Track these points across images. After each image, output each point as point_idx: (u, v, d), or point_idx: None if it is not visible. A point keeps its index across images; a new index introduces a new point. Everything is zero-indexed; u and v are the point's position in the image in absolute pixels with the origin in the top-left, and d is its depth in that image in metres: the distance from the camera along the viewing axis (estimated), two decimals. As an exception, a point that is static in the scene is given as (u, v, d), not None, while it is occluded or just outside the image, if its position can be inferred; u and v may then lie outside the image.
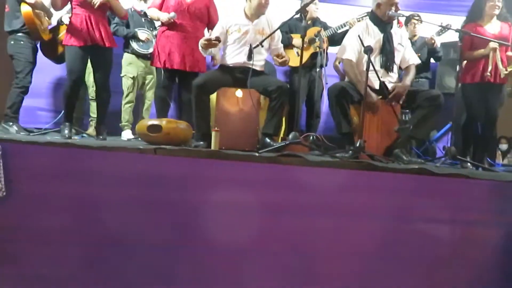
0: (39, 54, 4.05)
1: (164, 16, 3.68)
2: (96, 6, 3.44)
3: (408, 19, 4.44)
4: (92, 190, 2.48)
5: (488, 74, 3.57)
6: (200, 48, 3.35)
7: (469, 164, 3.50)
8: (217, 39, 3.22)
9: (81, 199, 2.44)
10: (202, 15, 3.76)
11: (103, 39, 3.53)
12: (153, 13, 3.86)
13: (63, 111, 3.77)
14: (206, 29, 3.91)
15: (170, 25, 3.71)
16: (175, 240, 2.54)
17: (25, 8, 3.70)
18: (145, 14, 4.54)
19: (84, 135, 3.97)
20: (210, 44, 3.22)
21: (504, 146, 5.20)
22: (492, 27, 3.71)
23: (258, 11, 3.40)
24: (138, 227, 2.44)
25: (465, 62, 3.80)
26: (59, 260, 2.45)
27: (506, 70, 3.53)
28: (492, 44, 3.54)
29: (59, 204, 2.42)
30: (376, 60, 3.34)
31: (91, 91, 4.41)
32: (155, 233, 2.48)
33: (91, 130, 4.43)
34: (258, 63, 3.40)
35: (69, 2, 3.58)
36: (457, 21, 4.26)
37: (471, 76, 3.72)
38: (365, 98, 3.05)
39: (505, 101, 4.12)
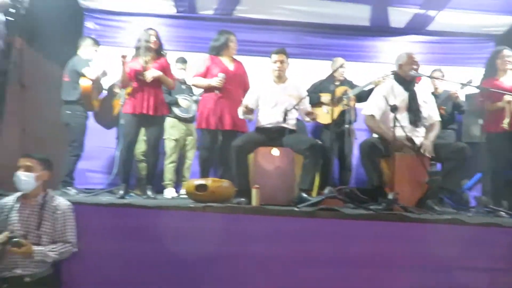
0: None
1: (214, 80, 3.96)
2: (148, 80, 3.84)
3: (430, 77, 4.68)
4: (149, 246, 2.74)
5: (505, 124, 3.72)
6: (239, 112, 3.69)
7: (502, 212, 3.57)
8: (251, 109, 3.60)
9: (142, 254, 2.70)
10: (242, 81, 4.13)
11: (156, 108, 3.88)
12: (198, 81, 4.15)
13: (114, 172, 4.09)
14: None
15: (216, 90, 3.97)
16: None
17: (84, 82, 4.14)
18: (184, 82, 4.99)
19: (132, 194, 4.25)
20: (247, 111, 3.58)
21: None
22: (507, 80, 3.91)
23: (278, 77, 3.78)
24: (193, 280, 2.66)
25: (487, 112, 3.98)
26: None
27: None
28: (507, 97, 3.71)
29: (122, 259, 2.68)
30: (403, 117, 3.56)
31: (138, 153, 4.75)
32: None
33: (137, 190, 4.73)
34: (290, 122, 3.69)
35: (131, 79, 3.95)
36: (478, 72, 4.48)
37: (495, 126, 3.87)
38: (393, 153, 3.25)
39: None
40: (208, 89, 4.08)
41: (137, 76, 3.84)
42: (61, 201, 2.70)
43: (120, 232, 2.80)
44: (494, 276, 2.72)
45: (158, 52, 3.99)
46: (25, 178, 2.61)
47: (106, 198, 3.53)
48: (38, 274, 2.54)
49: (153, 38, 3.90)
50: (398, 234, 2.82)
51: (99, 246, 2.76)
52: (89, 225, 2.74)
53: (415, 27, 5.74)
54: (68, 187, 4.09)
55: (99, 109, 4.50)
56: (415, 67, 3.65)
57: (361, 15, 5.57)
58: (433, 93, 4.52)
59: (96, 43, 4.52)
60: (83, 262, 2.71)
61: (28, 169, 2.62)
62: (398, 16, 5.61)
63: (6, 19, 3.13)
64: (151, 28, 4.01)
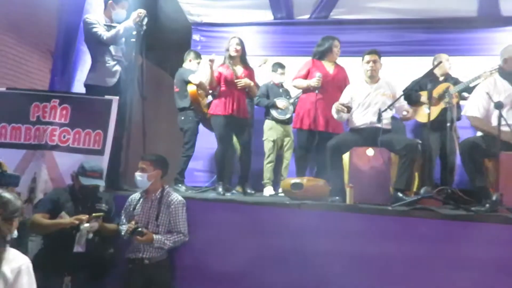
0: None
1: (312, 81, 4.14)
2: (239, 87, 4.15)
3: None
4: (246, 239, 3.01)
5: None
6: (333, 112, 3.80)
7: None
8: (348, 107, 3.63)
9: (236, 245, 2.98)
10: (342, 85, 4.22)
11: (239, 112, 4.17)
12: (298, 82, 4.36)
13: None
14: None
15: (314, 92, 4.14)
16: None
17: (191, 88, 4.60)
18: (282, 85, 5.23)
19: (234, 191, 4.61)
20: (343, 108, 3.67)
21: None
22: None
23: (370, 77, 3.80)
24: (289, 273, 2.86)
25: None
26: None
27: None
28: None
29: (224, 249, 2.99)
30: (510, 114, 3.33)
31: (239, 154, 5.10)
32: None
33: (239, 187, 5.09)
34: (385, 121, 3.68)
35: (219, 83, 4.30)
36: None
37: None
38: (498, 153, 3.09)
39: None
40: (307, 90, 4.25)
41: (227, 81, 4.15)
42: (175, 197, 3.09)
43: (223, 225, 3.12)
44: None
45: (243, 59, 4.28)
46: (140, 178, 3.05)
47: (211, 195, 3.91)
48: (155, 258, 2.96)
49: (234, 47, 4.19)
50: (502, 237, 2.69)
51: (205, 237, 3.10)
52: (197, 218, 3.10)
53: (531, 14, 5.24)
54: (179, 184, 4.58)
55: (207, 113, 4.94)
56: None
57: (467, 6, 5.27)
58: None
59: (198, 56, 4.99)
60: (192, 250, 3.08)
61: (142, 170, 3.05)
62: (510, 3, 5.18)
63: (131, 40, 3.66)
64: (234, 37, 4.31)
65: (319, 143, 4.06)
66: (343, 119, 3.91)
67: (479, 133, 3.60)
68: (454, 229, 2.77)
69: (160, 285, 2.97)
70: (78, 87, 3.96)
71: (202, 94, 4.80)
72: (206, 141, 5.60)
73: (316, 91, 4.11)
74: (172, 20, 5.75)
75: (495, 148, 3.19)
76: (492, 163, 3.35)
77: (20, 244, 2.54)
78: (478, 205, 3.13)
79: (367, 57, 3.83)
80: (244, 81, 4.13)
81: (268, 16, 5.88)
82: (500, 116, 3.09)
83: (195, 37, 6.15)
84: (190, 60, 4.91)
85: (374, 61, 3.79)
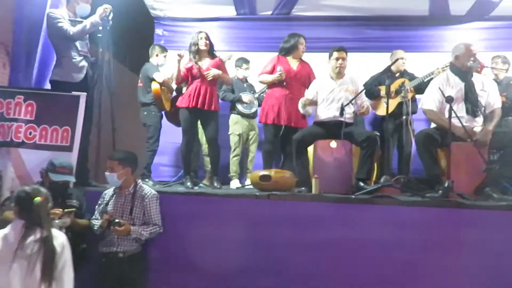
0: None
1: (274, 76, 4.28)
2: (209, 78, 4.19)
3: (488, 68, 4.60)
4: (218, 230, 3.12)
5: None
6: (299, 106, 3.95)
7: None
8: (313, 101, 3.82)
9: (209, 236, 3.08)
10: (305, 80, 4.39)
11: (209, 103, 4.19)
12: (264, 78, 4.47)
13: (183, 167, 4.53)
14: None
15: (279, 88, 4.30)
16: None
17: (154, 86, 4.63)
18: (246, 80, 5.34)
19: (201, 185, 4.68)
20: (310, 102, 3.86)
21: None
22: None
23: (337, 73, 3.98)
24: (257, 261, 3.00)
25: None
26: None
27: None
28: None
29: (197, 239, 3.09)
30: (461, 107, 3.62)
31: (204, 148, 5.17)
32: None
33: (206, 181, 5.17)
34: (347, 115, 3.88)
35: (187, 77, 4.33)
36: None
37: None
38: (449, 143, 3.34)
39: None
40: (272, 86, 4.37)
41: (193, 75, 4.20)
42: (148, 190, 3.14)
43: (194, 217, 3.21)
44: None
45: (211, 52, 4.34)
46: (110, 177, 3.08)
47: (180, 188, 3.97)
48: (129, 251, 3.01)
49: (203, 41, 4.25)
50: (452, 220, 2.95)
51: (177, 229, 3.17)
52: (168, 211, 3.17)
53: (477, 13, 5.62)
54: (146, 179, 4.60)
55: (170, 109, 4.97)
56: (472, 58, 3.66)
57: (419, 6, 5.57)
58: (494, 80, 4.48)
59: (164, 49, 5.00)
60: (166, 242, 3.15)
61: (111, 169, 3.07)
62: (459, 4, 5.54)
63: (97, 35, 3.64)
64: (201, 31, 4.35)
65: (283, 136, 4.21)
66: (309, 113, 4.08)
67: (432, 125, 3.87)
68: (412, 214, 3.00)
69: (134, 278, 3.02)
70: (43, 83, 3.88)
71: (166, 91, 4.83)
72: (171, 136, 5.58)
73: (284, 83, 4.24)
74: (134, 14, 5.70)
75: (446, 139, 3.46)
76: (444, 153, 3.62)
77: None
78: (432, 192, 3.39)
79: (335, 54, 3.98)
80: (212, 72, 4.18)
81: (231, 11, 5.95)
82: (451, 110, 3.35)
83: (158, 31, 6.11)
84: (156, 55, 4.92)
85: (343, 58, 3.96)
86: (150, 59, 4.91)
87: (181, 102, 4.24)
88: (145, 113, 4.76)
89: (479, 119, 3.68)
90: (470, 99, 3.64)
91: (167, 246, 3.13)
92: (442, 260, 2.93)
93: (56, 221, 2.75)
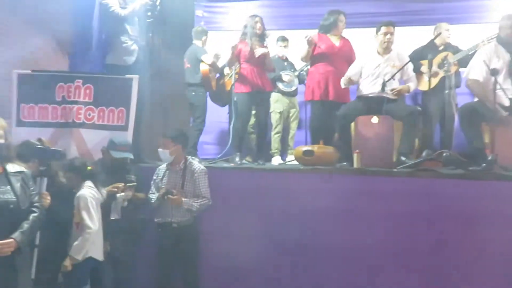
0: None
1: (306, 46, 4.30)
2: (257, 55, 4.31)
3: None
4: (269, 202, 3.31)
5: None
6: (342, 82, 4.03)
7: None
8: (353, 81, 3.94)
9: (262, 209, 3.27)
10: (348, 57, 4.41)
11: (264, 85, 4.39)
12: (301, 53, 4.44)
13: (229, 145, 4.72)
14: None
15: (323, 64, 4.33)
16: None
17: (203, 67, 4.79)
18: (286, 59, 5.42)
19: (245, 161, 4.84)
20: (350, 82, 3.94)
21: None
22: None
23: (385, 49, 3.97)
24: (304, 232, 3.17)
25: None
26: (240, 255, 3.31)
27: None
28: None
29: (246, 213, 3.29)
30: (507, 79, 3.57)
31: (248, 126, 5.30)
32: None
33: (249, 157, 5.34)
34: (390, 92, 3.91)
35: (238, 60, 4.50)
36: None
37: None
38: (494, 116, 3.33)
39: None
40: (316, 62, 4.40)
41: (246, 58, 4.34)
42: (197, 166, 3.36)
43: (242, 191, 3.41)
44: None
45: (262, 37, 4.46)
46: (162, 154, 3.30)
47: (225, 165, 4.17)
48: (183, 222, 3.25)
49: (258, 25, 4.37)
50: (494, 193, 2.98)
51: (227, 202, 3.39)
52: (218, 185, 3.37)
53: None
54: (192, 157, 4.81)
55: (215, 89, 5.14)
56: None
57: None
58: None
59: (206, 32, 5.12)
60: (216, 215, 3.37)
61: (164, 146, 3.28)
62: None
63: (147, 21, 3.85)
64: (256, 15, 4.47)
65: (329, 112, 4.25)
66: (350, 85, 4.13)
67: (475, 99, 3.84)
68: (455, 187, 3.05)
69: (187, 245, 3.27)
70: (99, 67, 4.15)
71: (212, 71, 4.98)
72: (215, 115, 5.74)
73: (328, 59, 4.29)
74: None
75: (490, 112, 3.44)
76: (489, 127, 3.61)
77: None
78: (475, 166, 3.40)
79: (383, 29, 3.96)
80: (262, 50, 4.29)
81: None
82: (495, 82, 3.32)
83: (198, 12, 6.25)
84: (197, 36, 5.05)
85: (391, 33, 3.95)
86: (193, 41, 5.07)
87: (240, 88, 4.40)
88: (193, 93, 4.90)
89: (526, 91, 3.62)
90: (516, 71, 3.57)
91: (217, 218, 3.35)
92: (482, 234, 2.98)
93: (119, 194, 3.03)
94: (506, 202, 2.94)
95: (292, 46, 5.38)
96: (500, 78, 3.48)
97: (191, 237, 3.31)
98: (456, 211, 3.04)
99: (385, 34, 3.95)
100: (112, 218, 3.08)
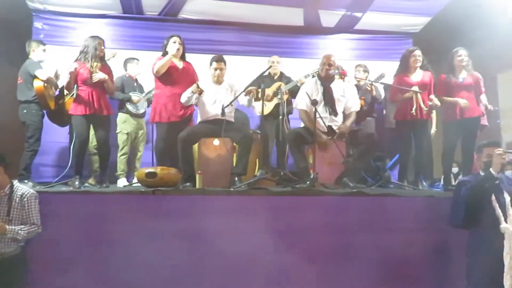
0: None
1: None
2: (93, 81, 4.19)
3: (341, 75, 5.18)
4: (104, 227, 3.21)
5: (413, 112, 4.38)
6: (183, 100, 4.18)
7: (406, 186, 4.34)
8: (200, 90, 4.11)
9: (98, 235, 3.16)
10: (192, 79, 4.50)
11: (102, 109, 4.28)
12: (160, 62, 4.37)
13: (69, 166, 4.45)
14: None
15: (168, 87, 4.38)
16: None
17: (37, 84, 4.45)
18: (136, 80, 5.40)
19: (87, 184, 4.62)
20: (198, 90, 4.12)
21: (455, 170, 5.91)
22: (416, 76, 4.55)
23: (216, 81, 4.35)
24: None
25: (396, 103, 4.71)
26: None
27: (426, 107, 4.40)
28: (414, 89, 4.38)
29: (80, 239, 3.14)
30: (324, 109, 4.22)
31: (91, 147, 5.07)
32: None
33: (91, 180, 5.10)
34: (228, 115, 4.18)
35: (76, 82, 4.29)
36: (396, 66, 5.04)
37: (403, 114, 4.52)
38: (316, 140, 3.89)
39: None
40: (160, 86, 4.44)
41: (84, 81, 4.21)
42: (26, 190, 3.07)
43: (78, 216, 3.24)
44: (390, 235, 3.43)
45: (103, 59, 4.41)
46: None
47: (64, 188, 3.91)
48: (7, 253, 2.94)
49: (100, 47, 4.30)
50: (316, 206, 3.45)
51: (60, 229, 3.18)
52: (50, 211, 3.15)
53: (344, 26, 6.46)
54: (25, 181, 4.38)
55: (54, 108, 4.77)
56: (328, 67, 4.24)
57: (295, 17, 6.22)
58: (356, 85, 5.19)
59: (41, 43, 4.80)
60: (47, 243, 3.13)
61: None
62: (328, 17, 6.31)
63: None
64: (98, 37, 4.38)
65: (177, 134, 4.26)
66: (193, 103, 4.32)
67: (302, 124, 4.40)
68: (282, 202, 3.43)
69: (13, 279, 2.96)
70: None
71: (49, 88, 4.67)
72: (54, 135, 5.43)
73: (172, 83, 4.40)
74: (9, 5, 5.35)
75: (313, 137, 3.99)
76: (311, 149, 4.17)
77: None
78: (302, 183, 3.89)
79: (214, 64, 4.33)
80: (98, 75, 4.20)
81: (117, 9, 5.92)
82: (315, 111, 3.89)
83: (37, 25, 5.83)
84: (33, 50, 4.71)
85: (221, 69, 4.32)
86: (29, 56, 4.69)
87: (76, 110, 4.23)
88: (25, 111, 4.54)
89: (338, 118, 4.29)
90: (329, 102, 4.23)
91: (48, 246, 3.12)
92: (311, 242, 3.40)
93: None
94: (327, 214, 3.42)
95: (143, 67, 5.39)
96: (320, 108, 4.08)
97: (17, 269, 3.00)
98: (284, 225, 3.40)
99: (216, 69, 4.32)
100: None
